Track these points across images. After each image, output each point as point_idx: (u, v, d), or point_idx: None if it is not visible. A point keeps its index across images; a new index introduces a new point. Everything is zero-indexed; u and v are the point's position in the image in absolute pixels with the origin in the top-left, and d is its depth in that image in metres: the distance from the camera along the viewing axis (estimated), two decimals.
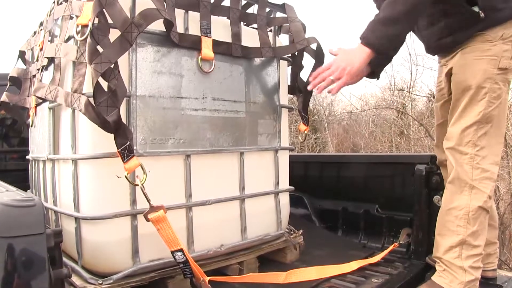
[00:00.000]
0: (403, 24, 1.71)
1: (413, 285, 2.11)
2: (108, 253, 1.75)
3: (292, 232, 2.55)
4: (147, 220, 1.68)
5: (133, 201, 1.76)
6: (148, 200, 1.67)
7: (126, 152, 1.59)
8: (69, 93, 1.68)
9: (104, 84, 1.57)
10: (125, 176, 1.64)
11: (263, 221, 2.33)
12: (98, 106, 1.55)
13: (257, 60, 2.22)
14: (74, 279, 1.74)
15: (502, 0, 1.80)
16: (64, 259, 1.79)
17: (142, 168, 1.65)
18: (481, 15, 1.76)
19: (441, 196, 2.37)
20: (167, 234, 1.70)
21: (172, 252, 1.71)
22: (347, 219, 3.00)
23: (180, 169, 1.93)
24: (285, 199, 2.46)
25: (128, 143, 1.59)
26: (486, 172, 1.88)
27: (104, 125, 1.56)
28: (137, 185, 1.67)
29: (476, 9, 1.75)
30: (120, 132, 1.59)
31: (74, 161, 1.76)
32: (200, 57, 1.94)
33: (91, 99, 1.57)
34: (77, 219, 1.76)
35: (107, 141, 1.63)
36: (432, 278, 1.97)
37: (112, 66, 1.55)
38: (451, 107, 1.99)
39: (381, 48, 1.74)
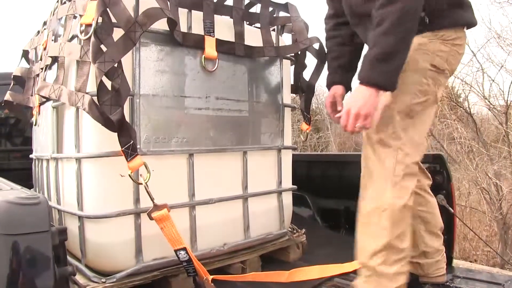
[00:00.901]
0: (400, 54, 1.60)
1: (415, 284, 2.08)
2: (112, 252, 1.75)
3: (295, 231, 2.54)
4: (151, 218, 1.68)
5: (137, 200, 1.76)
6: (152, 199, 1.67)
7: (129, 151, 1.59)
8: (72, 92, 1.68)
9: (108, 83, 1.57)
10: (129, 175, 1.64)
11: (266, 220, 2.32)
12: (101, 105, 1.55)
13: (260, 60, 2.22)
14: (78, 277, 1.73)
15: (448, 8, 1.73)
16: (68, 257, 1.82)
17: (146, 167, 1.66)
18: (426, 20, 1.69)
19: (444, 196, 2.41)
20: (170, 233, 1.70)
21: (176, 251, 1.71)
22: (350, 218, 2.97)
23: (183, 168, 1.93)
24: (288, 198, 2.45)
25: (131, 142, 1.60)
26: (409, 167, 1.72)
27: (108, 124, 1.57)
28: (141, 183, 1.67)
29: (421, 14, 1.66)
30: (124, 131, 1.59)
31: (78, 160, 1.76)
32: (203, 56, 1.93)
33: (95, 98, 1.58)
34: (80, 218, 1.76)
35: (110, 140, 1.63)
36: (357, 283, 1.81)
37: (115, 65, 1.56)
38: None
39: (387, 85, 1.61)
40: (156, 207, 1.68)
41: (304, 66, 2.43)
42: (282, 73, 2.32)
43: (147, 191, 1.66)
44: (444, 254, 2.10)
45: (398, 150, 1.70)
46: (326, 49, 2.20)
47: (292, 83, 2.47)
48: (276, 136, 2.31)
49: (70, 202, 1.86)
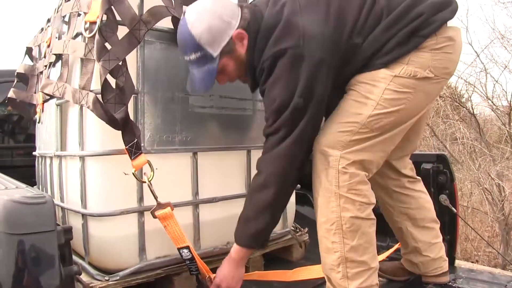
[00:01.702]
0: (261, 220, 1.66)
1: (417, 285, 2.08)
2: (115, 250, 1.75)
3: (297, 230, 2.53)
4: (154, 217, 1.68)
5: (140, 198, 1.76)
6: (155, 197, 1.67)
7: (133, 149, 1.59)
8: (77, 90, 1.68)
9: (112, 81, 1.57)
10: (133, 173, 1.64)
11: None
12: (106, 103, 1.55)
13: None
14: (81, 275, 1.73)
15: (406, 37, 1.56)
16: (74, 257, 1.82)
17: (150, 165, 1.65)
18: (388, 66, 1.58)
19: (447, 196, 2.39)
20: (173, 231, 1.70)
21: (179, 249, 1.72)
22: None
23: (187, 167, 1.92)
24: (291, 197, 2.41)
25: (135, 140, 1.59)
26: (356, 176, 1.58)
27: (112, 122, 1.56)
28: (145, 182, 1.67)
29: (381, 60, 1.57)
30: (128, 129, 1.59)
31: (82, 158, 1.75)
32: None
33: (99, 96, 1.58)
34: (84, 216, 1.76)
35: (114, 138, 1.63)
36: None
37: (120, 63, 1.55)
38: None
39: (249, 246, 1.69)
40: (160, 206, 1.69)
41: None
42: None
43: (151, 190, 1.67)
44: (443, 251, 2.03)
45: (341, 159, 1.58)
46: None
47: None
48: None
49: (73, 200, 1.86)
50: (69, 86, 1.77)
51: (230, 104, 2.06)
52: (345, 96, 1.65)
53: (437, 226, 2.03)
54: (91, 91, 1.63)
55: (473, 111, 6.96)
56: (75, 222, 1.82)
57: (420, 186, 2.04)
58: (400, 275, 2.12)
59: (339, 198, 1.57)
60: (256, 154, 2.05)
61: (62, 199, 1.98)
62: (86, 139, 1.76)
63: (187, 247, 1.72)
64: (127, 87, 1.58)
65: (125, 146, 1.59)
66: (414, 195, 1.99)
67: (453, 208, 2.38)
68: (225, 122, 2.05)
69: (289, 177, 1.65)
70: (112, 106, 1.55)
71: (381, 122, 1.58)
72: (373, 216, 1.64)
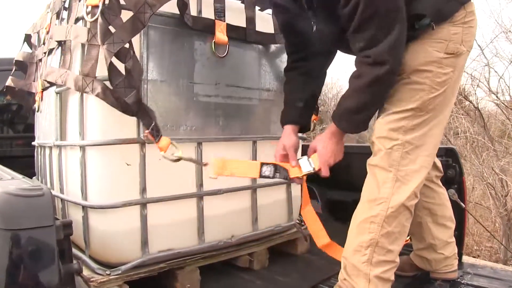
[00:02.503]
0: (373, 107, 1.64)
1: (425, 280, 2.05)
2: (117, 243, 1.72)
3: (303, 224, 2.47)
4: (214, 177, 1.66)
5: (143, 190, 1.72)
6: (200, 163, 1.71)
7: (155, 131, 1.53)
8: (80, 77, 1.61)
9: (119, 67, 1.51)
10: (164, 156, 1.57)
11: (274, 212, 2.30)
12: (115, 89, 1.49)
13: (272, 46, 2.17)
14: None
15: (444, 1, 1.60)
16: (74, 250, 1.77)
17: (174, 145, 1.60)
18: (432, 28, 1.58)
19: (456, 190, 2.33)
20: (239, 167, 1.74)
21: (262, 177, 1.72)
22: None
23: (191, 157, 1.82)
24: (296, 190, 2.36)
25: (154, 123, 1.54)
26: (415, 164, 1.63)
27: (125, 108, 1.50)
28: (179, 159, 1.61)
29: (426, 21, 1.57)
30: (144, 113, 1.53)
31: (82, 148, 1.71)
32: (213, 41, 1.87)
33: (108, 83, 1.51)
34: (84, 208, 1.72)
35: (116, 127, 1.60)
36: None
37: (126, 46, 1.49)
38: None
39: (355, 131, 1.68)
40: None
41: None
42: None
43: (189, 160, 1.64)
44: (455, 250, 2.02)
45: (406, 144, 1.61)
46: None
47: None
48: None
49: (73, 191, 1.81)
50: (71, 73, 1.70)
51: (236, 93, 2.03)
52: (399, 84, 1.64)
53: (453, 225, 2.02)
54: (95, 77, 1.57)
55: (477, 105, 6.90)
56: (75, 214, 1.79)
57: (441, 182, 2.04)
58: (407, 270, 2.10)
59: (395, 181, 1.60)
60: (262, 145, 2.09)
61: (61, 191, 1.94)
62: (86, 128, 1.71)
63: (262, 164, 1.71)
64: (135, 70, 1.51)
65: (146, 130, 1.54)
66: (438, 190, 1.99)
67: (462, 203, 2.34)
68: (231, 112, 2.01)
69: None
70: (122, 91, 1.49)
71: (433, 104, 1.61)
72: (413, 210, 1.66)
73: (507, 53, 7.60)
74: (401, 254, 2.20)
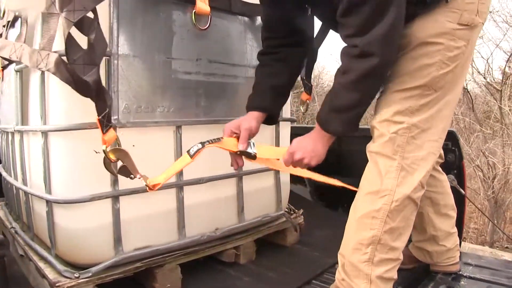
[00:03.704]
0: (363, 106, 1.45)
1: (425, 274, 1.96)
2: (86, 242, 1.59)
3: (292, 212, 2.43)
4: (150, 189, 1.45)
5: (114, 181, 1.59)
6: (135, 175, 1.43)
7: (105, 120, 1.35)
8: (35, 50, 1.41)
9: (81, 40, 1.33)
10: (103, 151, 1.38)
11: (262, 201, 2.20)
12: (72, 64, 1.31)
13: (258, 19, 2.04)
14: (47, 271, 1.58)
15: None
16: (37, 247, 1.70)
17: (118, 143, 1.40)
18: (447, 1, 1.46)
19: (455, 176, 2.26)
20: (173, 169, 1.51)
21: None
22: (349, 197, 2.83)
23: (169, 142, 1.76)
24: (286, 176, 2.32)
25: (107, 110, 1.35)
26: (422, 150, 1.50)
27: (81, 87, 1.31)
28: (116, 161, 1.40)
29: None
30: (100, 96, 1.35)
31: (44, 134, 1.55)
32: (194, 11, 1.73)
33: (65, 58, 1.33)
34: (48, 202, 1.57)
35: (83, 110, 1.45)
36: None
37: (90, 16, 1.31)
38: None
39: (346, 132, 1.49)
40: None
41: None
42: None
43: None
44: (457, 241, 1.94)
45: (412, 127, 1.47)
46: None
47: None
48: None
49: (37, 183, 1.66)
50: (27, 47, 1.50)
51: (220, 70, 1.90)
52: (404, 59, 1.50)
53: (455, 214, 1.92)
54: (54, 52, 1.37)
55: (466, 86, 6.89)
56: (40, 209, 1.67)
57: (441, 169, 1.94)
58: (406, 262, 1.95)
59: (400, 170, 1.47)
60: None
61: (24, 182, 1.80)
62: (48, 111, 1.54)
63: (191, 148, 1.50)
64: (98, 44, 1.34)
65: (98, 116, 1.34)
66: (440, 178, 1.88)
67: (462, 190, 2.27)
68: (214, 91, 1.89)
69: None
70: (80, 68, 1.31)
71: (443, 81, 1.48)
72: (419, 203, 1.54)
73: (492, 34, 7.66)
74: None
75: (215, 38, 1.85)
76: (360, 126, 1.55)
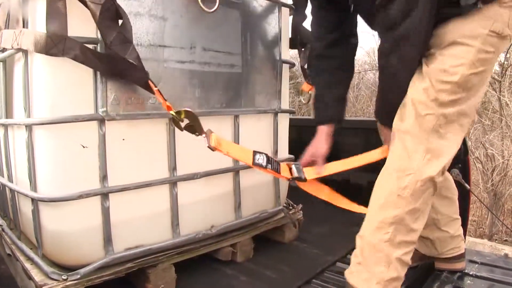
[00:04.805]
0: (400, 98, 1.59)
1: (429, 272, 1.92)
2: (74, 242, 1.52)
3: (290, 208, 2.36)
4: (213, 149, 1.49)
5: (104, 177, 1.51)
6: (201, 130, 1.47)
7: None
8: (43, 34, 1.34)
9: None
10: (172, 114, 1.44)
11: (259, 196, 2.14)
12: (112, 46, 1.35)
13: (256, 4, 1.98)
14: (34, 272, 1.51)
15: None
16: (24, 247, 1.64)
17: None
18: (478, 6, 1.51)
19: (460, 170, 2.25)
20: (236, 151, 1.58)
21: (254, 164, 1.58)
22: (349, 191, 2.78)
23: (162, 136, 1.69)
24: None
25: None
26: (447, 139, 1.54)
27: (112, 70, 1.41)
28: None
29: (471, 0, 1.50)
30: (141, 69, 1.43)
31: (28, 127, 1.46)
32: None
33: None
34: (34, 201, 1.49)
35: (69, 102, 1.40)
36: (346, 272, 1.61)
37: None
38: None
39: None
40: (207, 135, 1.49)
41: (304, 16, 2.20)
42: (281, 23, 2.08)
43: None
44: (461, 230, 1.91)
45: (441, 117, 1.50)
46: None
47: (290, 36, 2.24)
48: (272, 98, 2.09)
49: (23, 180, 1.58)
50: (30, 32, 1.41)
51: (215, 58, 1.83)
52: (440, 53, 1.54)
53: (456, 197, 1.92)
54: (70, 37, 1.35)
55: None
56: (26, 207, 1.59)
57: None
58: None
59: (425, 152, 1.50)
60: (245, 120, 1.97)
61: (10, 178, 1.71)
62: (32, 103, 1.45)
63: (256, 153, 1.58)
64: (127, 22, 1.38)
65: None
66: None
67: (466, 185, 2.24)
68: (209, 81, 1.82)
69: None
70: (119, 48, 1.34)
71: (470, 82, 1.53)
72: (437, 189, 1.57)
73: None
74: None
75: (210, 25, 1.77)
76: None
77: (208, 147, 1.47)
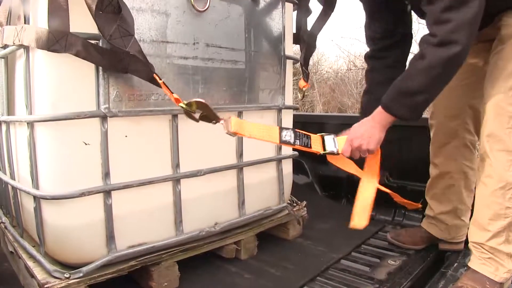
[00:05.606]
0: (426, 95, 1.54)
1: (434, 268, 1.92)
2: (76, 240, 1.50)
3: (294, 204, 2.34)
4: (233, 134, 1.47)
5: (106, 175, 1.49)
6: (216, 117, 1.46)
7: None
8: (44, 30, 1.32)
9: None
10: (182, 106, 1.41)
11: (263, 193, 2.12)
12: (112, 40, 1.31)
13: (259, 0, 1.94)
14: (36, 271, 1.49)
15: None
16: (26, 245, 1.63)
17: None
18: None
19: None
20: (260, 130, 1.53)
21: (282, 142, 1.56)
22: (353, 188, 2.76)
23: (165, 133, 1.67)
24: (288, 167, 2.24)
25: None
26: None
27: (115, 64, 1.38)
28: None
29: None
30: (146, 63, 1.38)
31: (30, 124, 1.44)
32: None
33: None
34: (36, 198, 1.47)
35: (71, 98, 1.38)
36: (473, 267, 1.68)
37: None
38: (493, 62, 1.66)
39: (408, 117, 1.58)
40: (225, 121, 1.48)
41: (308, 12, 2.20)
42: (284, 19, 2.05)
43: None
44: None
45: None
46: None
47: (294, 32, 2.21)
48: (276, 94, 2.06)
49: (25, 177, 1.56)
50: (32, 28, 1.39)
51: (219, 55, 1.80)
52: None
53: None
54: (71, 33, 1.32)
55: None
56: (28, 204, 1.57)
57: None
58: (419, 243, 2.13)
59: None
60: (249, 116, 1.94)
61: (12, 176, 1.70)
62: (34, 100, 1.43)
63: (283, 130, 1.55)
64: (127, 15, 1.34)
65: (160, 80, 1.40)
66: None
67: None
68: (212, 77, 1.80)
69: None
70: (119, 42, 1.31)
71: None
72: None
73: None
74: (403, 226, 2.42)
75: (213, 20, 1.75)
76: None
77: (227, 133, 1.44)
